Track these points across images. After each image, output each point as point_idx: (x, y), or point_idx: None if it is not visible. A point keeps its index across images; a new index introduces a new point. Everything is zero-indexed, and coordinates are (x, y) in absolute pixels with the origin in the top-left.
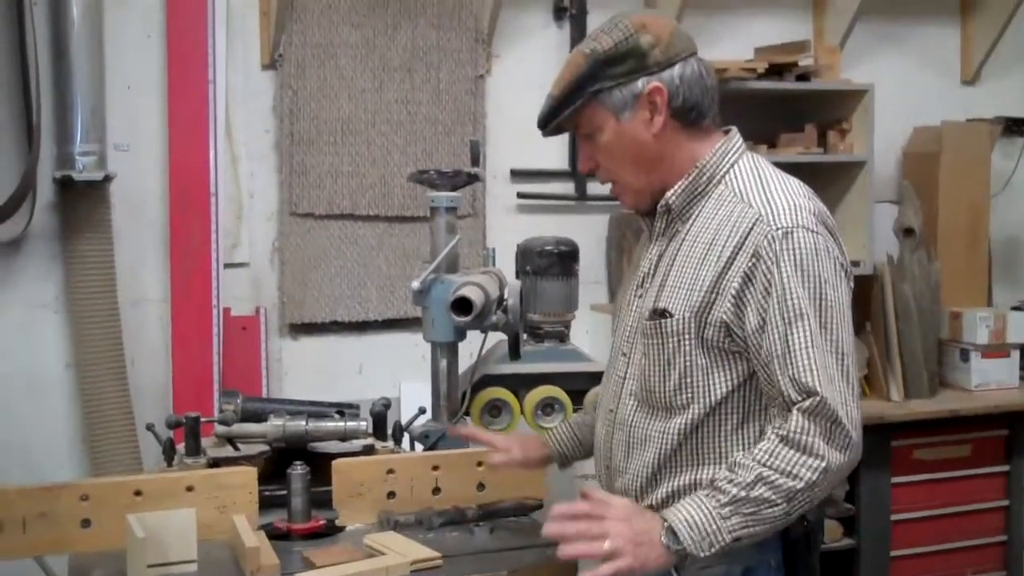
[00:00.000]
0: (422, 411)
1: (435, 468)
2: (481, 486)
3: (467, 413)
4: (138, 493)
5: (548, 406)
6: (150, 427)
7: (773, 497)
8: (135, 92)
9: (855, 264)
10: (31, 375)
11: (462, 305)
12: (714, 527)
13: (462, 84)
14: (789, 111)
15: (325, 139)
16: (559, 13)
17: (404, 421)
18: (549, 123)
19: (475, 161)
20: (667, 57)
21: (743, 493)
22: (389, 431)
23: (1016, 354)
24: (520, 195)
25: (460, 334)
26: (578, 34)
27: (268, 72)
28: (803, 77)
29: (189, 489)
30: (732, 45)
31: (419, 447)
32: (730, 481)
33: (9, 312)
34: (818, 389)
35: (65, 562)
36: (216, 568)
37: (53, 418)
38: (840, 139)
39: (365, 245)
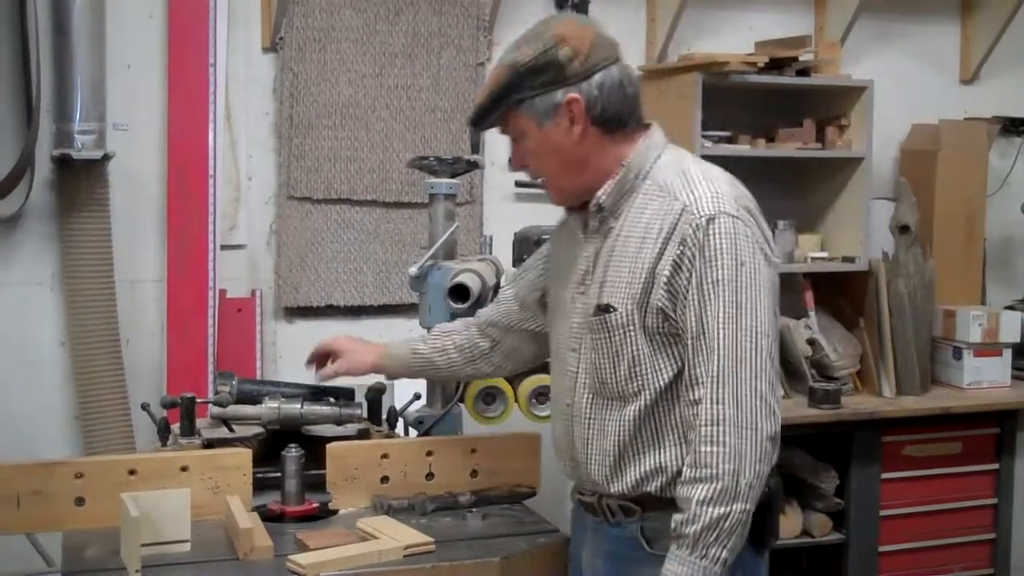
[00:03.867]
0: (417, 397)
1: (429, 454)
2: (474, 473)
3: (461, 400)
4: (132, 472)
5: (542, 394)
6: (145, 406)
7: (721, 510)
8: (135, 72)
9: (850, 260)
10: (25, 352)
11: (459, 292)
12: (701, 571)
13: (462, 71)
14: (788, 106)
15: (324, 123)
16: (560, 1)
17: (398, 406)
18: (477, 127)
19: (474, 148)
20: (585, 68)
21: (697, 527)
22: (384, 416)
23: (1008, 353)
24: (518, 183)
25: None
26: None
27: (269, 55)
28: (803, 72)
29: (184, 469)
30: (733, 39)
31: (413, 432)
32: (682, 523)
33: (4, 289)
34: (721, 373)
35: (59, 539)
36: (209, 548)
37: (46, 396)
38: (839, 135)
39: (362, 230)
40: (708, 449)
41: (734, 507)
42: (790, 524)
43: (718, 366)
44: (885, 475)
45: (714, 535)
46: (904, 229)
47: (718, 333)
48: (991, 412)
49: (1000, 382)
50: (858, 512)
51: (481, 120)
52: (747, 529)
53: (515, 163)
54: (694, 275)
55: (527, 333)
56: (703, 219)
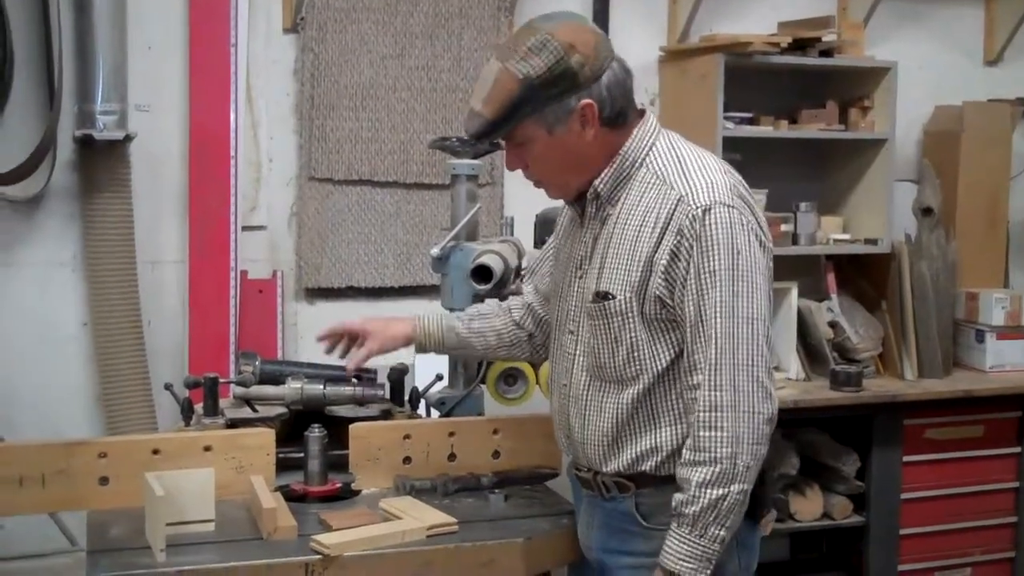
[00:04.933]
0: (439, 378)
1: (451, 434)
2: (496, 453)
3: (483, 381)
4: (156, 452)
5: None
6: (168, 386)
7: (720, 492)
8: (157, 53)
9: (872, 242)
10: (48, 333)
11: (482, 273)
12: (700, 549)
13: (484, 52)
14: (811, 87)
15: (345, 104)
16: None
17: (420, 387)
18: (483, 141)
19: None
20: (594, 73)
21: (696, 507)
22: (406, 397)
23: None
24: None
25: (478, 302)
26: (600, 5)
27: (290, 35)
28: (826, 53)
29: (207, 449)
30: (755, 19)
31: (435, 413)
32: (682, 503)
33: (27, 270)
34: (718, 360)
35: (83, 518)
36: (233, 528)
37: (69, 376)
38: (862, 116)
39: (383, 211)
40: (707, 434)
41: (732, 488)
42: (811, 507)
43: (716, 353)
44: (906, 458)
45: (713, 515)
46: (927, 211)
47: (715, 321)
48: (1013, 395)
49: (1023, 365)
50: (879, 495)
51: (489, 135)
52: (744, 508)
53: (512, 166)
54: (692, 264)
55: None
56: (699, 209)
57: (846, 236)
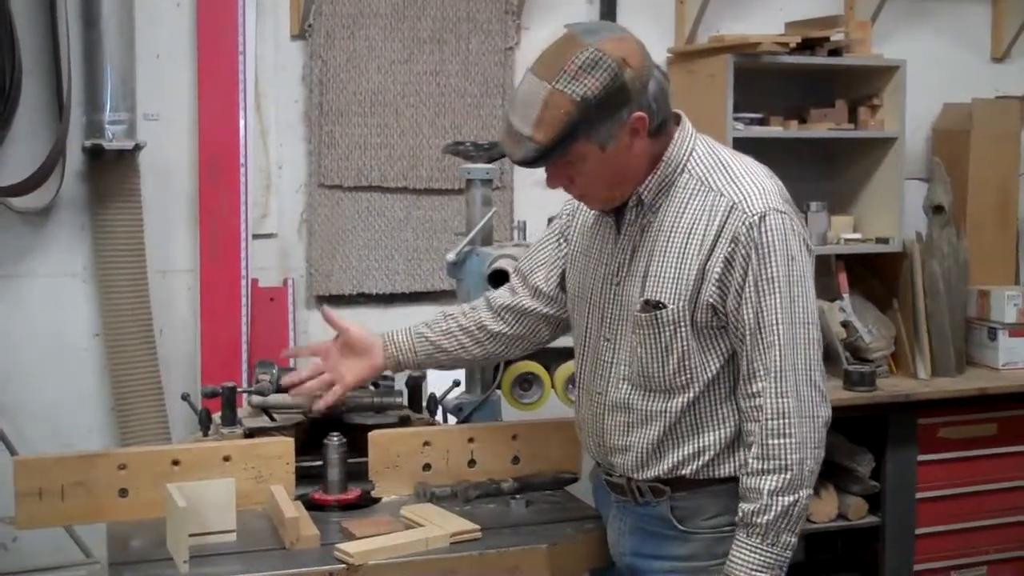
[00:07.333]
0: (456, 384)
1: (470, 440)
2: (516, 459)
3: (499, 386)
4: (176, 463)
5: None
6: (185, 397)
7: (791, 498)
8: (165, 61)
9: (884, 241)
10: (59, 344)
11: (498, 278)
12: (773, 557)
13: (491, 56)
14: (820, 86)
15: (354, 110)
16: None
17: (436, 394)
18: (535, 166)
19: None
20: (643, 84)
21: (770, 516)
22: (423, 403)
23: None
24: None
25: None
26: (608, 7)
27: (298, 42)
28: (835, 52)
29: (226, 459)
30: (763, 19)
31: (452, 419)
32: (753, 513)
33: (38, 281)
34: (781, 366)
35: (103, 531)
36: (255, 538)
37: (81, 387)
38: (871, 115)
39: (393, 217)
40: (777, 441)
41: (800, 494)
42: (826, 507)
43: (778, 359)
44: (921, 457)
45: (785, 522)
46: (938, 209)
47: (776, 327)
48: None
49: None
50: (894, 495)
51: (544, 160)
52: (807, 512)
53: (556, 184)
54: (750, 271)
55: (543, 317)
56: (756, 217)
57: (857, 235)
